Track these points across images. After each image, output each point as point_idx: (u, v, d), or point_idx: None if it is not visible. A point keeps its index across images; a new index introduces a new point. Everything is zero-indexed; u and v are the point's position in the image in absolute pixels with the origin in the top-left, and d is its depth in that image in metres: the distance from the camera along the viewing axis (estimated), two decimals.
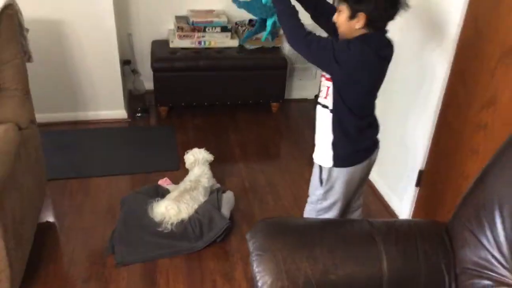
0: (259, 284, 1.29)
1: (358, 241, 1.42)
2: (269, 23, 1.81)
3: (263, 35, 1.87)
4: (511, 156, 1.33)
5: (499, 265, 1.32)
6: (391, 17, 1.59)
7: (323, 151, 1.81)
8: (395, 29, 1.72)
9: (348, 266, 1.35)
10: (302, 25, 1.65)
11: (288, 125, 3.61)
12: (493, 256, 1.33)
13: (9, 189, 1.81)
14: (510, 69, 1.78)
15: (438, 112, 2.24)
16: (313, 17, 1.88)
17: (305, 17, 1.78)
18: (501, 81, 1.83)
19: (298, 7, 1.76)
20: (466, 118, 2.05)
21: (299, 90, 3.92)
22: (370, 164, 1.90)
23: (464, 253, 1.41)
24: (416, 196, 2.46)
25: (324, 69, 1.67)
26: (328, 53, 1.57)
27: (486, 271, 1.34)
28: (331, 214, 1.88)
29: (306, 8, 1.86)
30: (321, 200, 1.87)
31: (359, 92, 1.68)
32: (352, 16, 1.58)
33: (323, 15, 1.82)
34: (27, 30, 2.29)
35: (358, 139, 1.77)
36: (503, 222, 1.31)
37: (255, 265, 1.32)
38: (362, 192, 2.05)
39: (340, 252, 1.37)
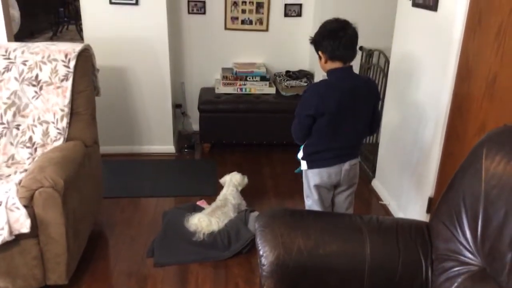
0: (261, 252, 1.60)
1: (346, 228, 1.70)
2: None
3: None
4: (471, 161, 1.60)
5: (464, 249, 1.55)
6: (341, 45, 2.04)
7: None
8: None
9: (335, 244, 1.63)
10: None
11: None
12: (460, 242, 1.57)
13: (72, 189, 2.24)
14: None
15: (442, 143, 2.51)
16: None
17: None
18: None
19: None
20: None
21: None
22: (344, 176, 2.25)
23: (438, 242, 1.65)
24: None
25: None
26: (300, 112, 2.15)
27: (454, 255, 1.57)
28: None
29: None
30: (305, 198, 2.37)
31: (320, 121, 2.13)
32: (320, 58, 2.14)
33: None
34: (98, 70, 2.83)
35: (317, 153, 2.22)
36: (466, 213, 1.55)
37: (258, 238, 1.63)
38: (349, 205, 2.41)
39: (330, 233, 1.66)
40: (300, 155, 2.29)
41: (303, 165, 2.28)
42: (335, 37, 2.03)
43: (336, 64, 2.09)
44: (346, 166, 2.23)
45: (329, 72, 2.13)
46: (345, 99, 2.08)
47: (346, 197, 2.36)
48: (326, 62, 2.10)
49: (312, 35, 2.17)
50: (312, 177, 2.26)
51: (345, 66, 2.10)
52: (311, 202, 2.32)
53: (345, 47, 2.05)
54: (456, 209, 1.59)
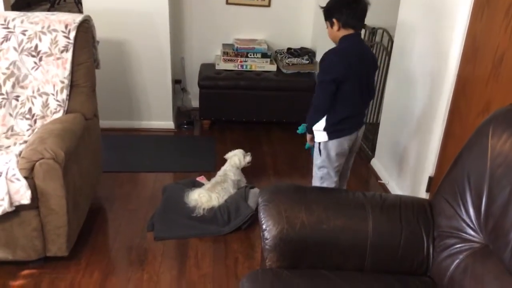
0: (264, 226, 1.60)
1: (349, 204, 1.70)
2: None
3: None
4: (476, 139, 1.59)
5: (467, 227, 1.56)
6: (355, 15, 2.13)
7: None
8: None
9: (338, 220, 1.63)
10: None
11: None
12: (462, 219, 1.57)
13: (72, 161, 2.22)
14: None
15: (445, 123, 2.50)
16: None
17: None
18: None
19: None
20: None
21: None
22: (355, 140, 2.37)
23: (441, 219, 1.66)
24: None
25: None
26: (324, 77, 2.17)
27: (456, 232, 1.58)
28: (330, 181, 2.33)
29: None
30: (318, 170, 2.37)
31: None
32: (331, 25, 2.20)
33: None
34: (98, 42, 2.78)
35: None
36: (470, 191, 1.55)
37: (261, 213, 1.63)
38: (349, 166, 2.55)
39: (333, 209, 1.66)
40: (319, 126, 2.25)
41: (323, 136, 2.27)
42: (351, 7, 2.13)
43: (349, 31, 2.17)
44: (359, 133, 2.36)
45: (343, 39, 2.18)
46: (359, 64, 2.17)
47: (351, 160, 2.52)
48: (339, 29, 2.17)
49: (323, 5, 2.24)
50: (333, 147, 2.28)
51: (357, 32, 2.20)
52: (326, 171, 2.33)
53: (359, 17, 2.16)
54: (460, 187, 1.59)
